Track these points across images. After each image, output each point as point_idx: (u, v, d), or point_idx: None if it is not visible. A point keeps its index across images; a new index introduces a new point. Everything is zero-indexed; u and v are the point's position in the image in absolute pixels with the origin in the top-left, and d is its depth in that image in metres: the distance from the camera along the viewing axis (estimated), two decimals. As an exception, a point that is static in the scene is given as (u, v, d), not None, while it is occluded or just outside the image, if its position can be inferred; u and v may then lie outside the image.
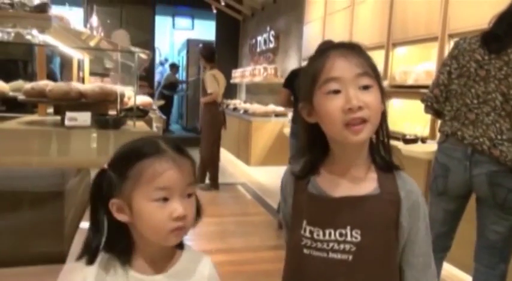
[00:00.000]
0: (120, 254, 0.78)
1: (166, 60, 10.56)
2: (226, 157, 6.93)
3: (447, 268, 2.41)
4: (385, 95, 0.84)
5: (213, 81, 4.65)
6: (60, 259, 2.63)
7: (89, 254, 0.78)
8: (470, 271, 1.86)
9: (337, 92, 0.79)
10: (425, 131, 3.05)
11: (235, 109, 6.88)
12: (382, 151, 0.87)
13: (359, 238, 0.81)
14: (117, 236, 0.78)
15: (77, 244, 2.65)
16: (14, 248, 2.57)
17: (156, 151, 0.76)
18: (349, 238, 0.82)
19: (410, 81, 3.25)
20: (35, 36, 2.42)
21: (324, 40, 3.41)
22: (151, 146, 0.77)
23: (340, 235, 0.82)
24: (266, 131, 5.88)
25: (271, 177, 5.41)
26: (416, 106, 3.25)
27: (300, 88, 0.87)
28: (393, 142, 3.32)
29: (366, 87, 0.79)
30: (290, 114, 5.90)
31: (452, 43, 2.91)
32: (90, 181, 3.47)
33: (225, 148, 7.27)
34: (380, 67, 3.82)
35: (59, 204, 2.44)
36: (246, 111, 6.31)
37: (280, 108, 6.09)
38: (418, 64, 3.28)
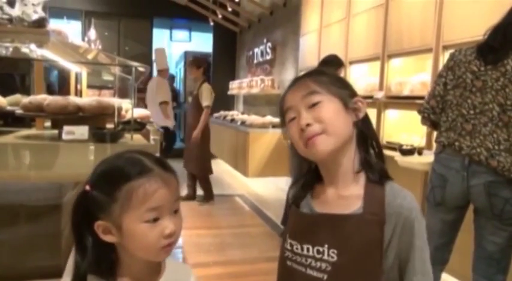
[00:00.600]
0: (105, 274, 0.77)
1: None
2: (223, 168, 6.93)
3: (445, 278, 2.40)
4: (362, 105, 0.88)
5: (210, 95, 4.62)
6: (56, 273, 2.60)
7: (79, 279, 0.77)
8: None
9: (294, 118, 0.86)
10: (421, 142, 3.07)
11: (232, 120, 6.89)
12: (373, 163, 0.87)
13: (335, 257, 0.80)
14: (102, 255, 0.77)
15: (73, 259, 2.62)
16: (11, 262, 2.55)
17: (143, 170, 0.75)
18: (325, 257, 0.81)
19: (406, 92, 3.28)
20: (33, 50, 2.44)
21: (329, 54, 3.47)
22: (136, 165, 0.75)
23: (318, 252, 0.82)
24: (264, 142, 5.89)
25: (269, 188, 5.41)
26: (413, 117, 3.27)
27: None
28: (390, 153, 3.34)
29: (314, 105, 0.84)
30: (287, 125, 5.93)
31: (446, 54, 2.94)
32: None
33: (222, 159, 7.27)
34: (376, 78, 3.86)
35: (56, 217, 2.44)
36: (243, 123, 6.32)
37: (277, 120, 6.11)
38: (413, 75, 3.31)
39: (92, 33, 5.94)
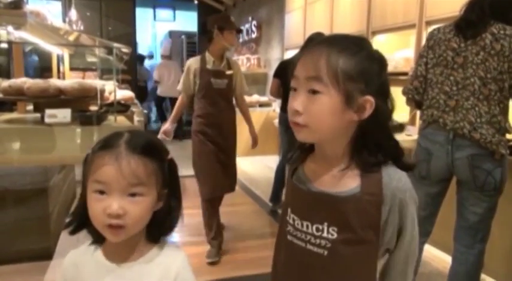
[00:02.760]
0: (94, 235, 0.82)
1: (151, 56, 10.32)
2: (212, 148, 6.92)
3: (428, 249, 2.48)
4: (370, 107, 0.78)
5: None
6: (46, 255, 2.62)
7: (74, 225, 0.82)
8: (451, 252, 1.93)
9: (295, 90, 0.81)
10: (405, 118, 3.11)
11: (219, 100, 6.86)
12: (369, 149, 0.82)
13: (335, 235, 0.81)
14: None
15: (63, 240, 2.65)
16: (1, 246, 2.56)
17: (107, 144, 0.77)
18: (325, 234, 0.82)
19: (389, 69, 3.27)
20: (11, 33, 2.39)
21: (314, 32, 3.44)
22: (113, 138, 0.78)
23: (317, 229, 0.83)
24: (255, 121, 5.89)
25: (257, 167, 5.45)
26: (397, 93, 3.31)
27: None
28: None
29: (314, 92, 0.77)
30: (275, 104, 5.93)
31: (429, 30, 2.95)
32: (74, 177, 3.47)
33: (211, 140, 7.26)
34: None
35: (43, 201, 2.44)
36: (230, 102, 6.30)
37: (264, 98, 6.11)
38: (397, 51, 3.33)
39: (73, 13, 5.81)
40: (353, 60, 0.77)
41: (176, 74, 7.70)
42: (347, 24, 3.99)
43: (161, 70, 7.82)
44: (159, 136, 2.66)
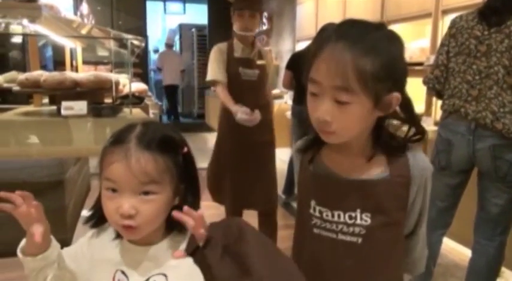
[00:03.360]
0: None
1: (156, 50, 10.31)
2: (223, 141, 6.92)
3: (446, 242, 2.46)
4: (400, 92, 0.76)
5: None
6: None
7: (94, 219, 0.81)
8: (469, 245, 1.90)
9: (316, 95, 0.76)
10: (420, 109, 3.06)
11: (230, 93, 6.84)
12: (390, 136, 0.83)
13: (369, 221, 0.81)
14: None
15: (79, 232, 2.68)
16: (18, 238, 2.58)
17: (118, 139, 0.74)
18: (358, 221, 0.81)
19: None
20: (26, 26, 2.40)
21: (327, 23, 3.38)
22: (124, 132, 0.75)
23: (350, 217, 0.82)
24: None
25: (269, 160, 5.42)
26: (412, 83, 3.25)
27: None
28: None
29: (342, 102, 0.73)
30: (286, 96, 5.90)
31: (446, 19, 2.89)
32: (89, 169, 3.50)
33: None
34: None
35: (59, 193, 2.47)
36: (241, 95, 6.28)
37: (275, 91, 6.07)
38: (412, 41, 3.27)
39: (84, 7, 5.82)
40: (380, 59, 0.73)
41: (177, 62, 8.39)
42: (360, 14, 3.93)
43: (163, 58, 8.30)
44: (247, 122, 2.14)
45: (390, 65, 0.74)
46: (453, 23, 1.84)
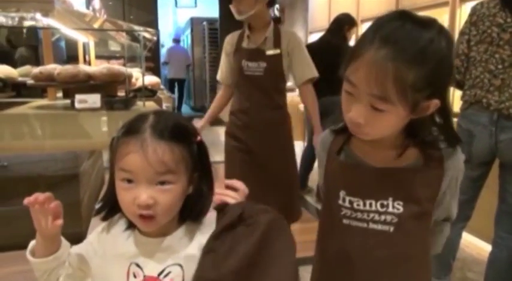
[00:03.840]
0: (127, 220, 0.79)
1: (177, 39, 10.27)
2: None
3: (465, 237, 2.41)
4: (433, 107, 0.73)
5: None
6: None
7: (106, 210, 0.79)
8: (487, 239, 1.86)
9: (351, 94, 0.74)
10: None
11: (242, 86, 6.82)
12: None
13: (401, 209, 0.80)
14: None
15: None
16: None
17: (132, 129, 0.72)
18: (390, 209, 0.80)
19: (421, 49, 3.18)
20: (39, 20, 2.41)
21: (341, 13, 3.33)
22: (137, 122, 0.74)
23: (382, 206, 0.81)
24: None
25: (282, 153, 5.40)
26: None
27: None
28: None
29: (378, 109, 0.71)
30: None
31: (464, 7, 2.82)
32: (103, 163, 3.53)
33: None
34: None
35: (74, 187, 2.48)
36: (253, 88, 6.25)
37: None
38: (428, 31, 3.20)
39: (96, 2, 5.84)
40: (425, 69, 0.68)
41: (183, 57, 8.79)
42: (375, 3, 3.86)
43: (170, 52, 8.66)
44: None
45: (435, 72, 0.69)
46: (474, 11, 1.79)
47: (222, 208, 0.72)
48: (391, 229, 0.81)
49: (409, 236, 0.81)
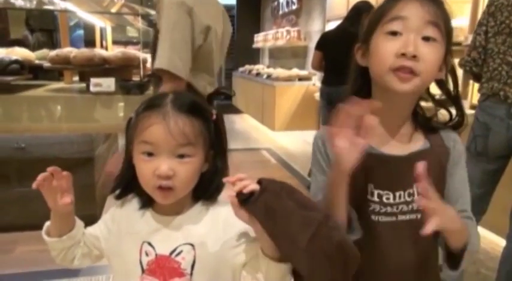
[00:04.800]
0: (142, 198, 0.80)
1: None
2: (250, 122, 6.93)
3: (480, 231, 2.36)
4: (450, 56, 0.79)
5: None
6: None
7: (120, 188, 0.81)
8: (501, 233, 1.83)
9: (397, 34, 0.74)
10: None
11: (258, 74, 6.80)
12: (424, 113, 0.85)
13: None
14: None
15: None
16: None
17: (153, 104, 0.75)
18: (416, 196, 0.78)
19: (441, 39, 3.11)
20: (56, 3, 2.42)
21: (362, 0, 3.27)
22: (159, 98, 0.76)
23: (409, 195, 0.80)
24: (290, 95, 5.81)
25: (296, 141, 5.40)
26: (447, 65, 3.12)
27: (363, 28, 0.82)
28: (422, 103, 3.21)
29: (429, 39, 0.73)
30: (314, 78, 5.80)
31: (487, -4, 2.74)
32: (118, 147, 3.57)
33: (249, 114, 7.26)
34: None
35: (89, 170, 2.52)
36: (269, 76, 6.22)
37: (304, 72, 5.98)
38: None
39: (114, -13, 5.85)
40: (450, 19, 0.77)
41: None
42: (395, -8, 3.77)
43: None
44: None
45: (451, 25, 0.77)
46: (492, 1, 1.73)
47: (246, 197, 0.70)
48: (419, 216, 0.79)
49: None
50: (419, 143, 0.83)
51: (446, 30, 0.75)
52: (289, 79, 5.89)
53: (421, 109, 0.85)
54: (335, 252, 0.65)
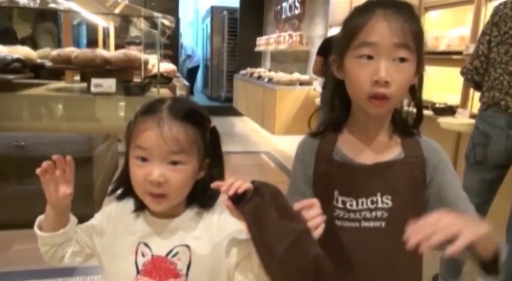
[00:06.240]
0: (138, 202, 0.81)
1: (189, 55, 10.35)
2: (250, 125, 6.93)
3: (475, 239, 2.37)
4: (422, 67, 0.80)
5: None
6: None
7: (121, 190, 0.82)
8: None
9: (369, 57, 0.75)
10: (456, 100, 2.94)
11: (259, 78, 6.80)
12: (404, 117, 0.86)
13: (390, 203, 0.80)
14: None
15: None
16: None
17: (150, 110, 0.76)
18: (380, 205, 0.80)
19: (442, 47, 3.10)
20: (60, 3, 2.42)
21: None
22: (155, 104, 0.77)
23: (372, 202, 0.81)
24: (291, 99, 5.81)
25: (295, 146, 5.35)
26: (448, 74, 3.11)
27: (336, 39, 0.83)
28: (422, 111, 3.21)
29: (400, 60, 0.74)
30: (315, 83, 5.81)
31: (489, 6, 2.74)
32: (117, 148, 3.57)
33: (249, 117, 7.26)
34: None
35: (88, 169, 2.52)
36: (270, 80, 6.23)
37: (305, 77, 5.99)
38: (451, 29, 3.12)
39: (118, -13, 5.85)
40: (419, 24, 0.77)
41: None
42: None
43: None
44: None
45: (421, 32, 0.78)
46: (496, 11, 1.74)
47: (239, 197, 0.71)
48: (383, 224, 0.80)
49: (402, 229, 0.77)
50: (394, 152, 0.83)
51: (416, 42, 0.75)
52: (290, 83, 5.89)
53: (400, 115, 0.85)
54: (309, 267, 0.66)
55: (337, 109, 0.87)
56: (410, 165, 0.81)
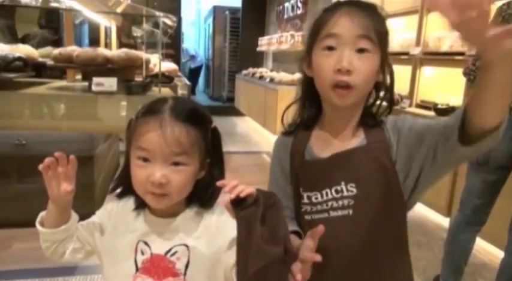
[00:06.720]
0: (138, 200, 0.82)
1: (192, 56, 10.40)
2: (252, 125, 6.92)
3: (478, 242, 2.36)
4: (387, 65, 0.83)
5: None
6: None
7: (122, 189, 0.83)
8: (500, 245, 1.82)
9: (332, 48, 0.78)
10: (458, 101, 2.93)
11: (261, 78, 6.80)
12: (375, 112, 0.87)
13: (355, 190, 0.81)
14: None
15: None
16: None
17: (151, 110, 0.76)
18: (345, 193, 0.82)
19: (444, 48, 3.10)
20: (62, 1, 2.43)
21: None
22: (157, 104, 0.77)
23: (337, 191, 0.82)
24: (292, 99, 5.80)
25: (296, 146, 5.38)
26: (450, 74, 3.11)
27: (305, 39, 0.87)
28: (424, 112, 3.21)
29: (362, 51, 0.77)
30: (317, 83, 5.80)
31: (492, 7, 2.73)
32: (118, 147, 3.57)
33: (251, 117, 7.26)
34: (413, 33, 3.65)
35: (89, 168, 2.52)
36: (272, 80, 6.22)
37: (297, 75, 5.98)
38: (454, 30, 3.11)
39: (121, -14, 5.85)
40: (383, 23, 0.82)
41: None
42: (400, 0, 3.77)
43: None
44: None
45: (385, 29, 0.82)
46: (500, 11, 1.73)
47: (240, 200, 0.70)
48: (350, 212, 0.81)
49: (371, 214, 0.81)
50: (356, 141, 0.84)
51: (379, 38, 0.79)
52: (291, 83, 5.89)
53: (371, 108, 0.86)
54: None
55: (308, 107, 0.90)
56: (373, 150, 0.82)
